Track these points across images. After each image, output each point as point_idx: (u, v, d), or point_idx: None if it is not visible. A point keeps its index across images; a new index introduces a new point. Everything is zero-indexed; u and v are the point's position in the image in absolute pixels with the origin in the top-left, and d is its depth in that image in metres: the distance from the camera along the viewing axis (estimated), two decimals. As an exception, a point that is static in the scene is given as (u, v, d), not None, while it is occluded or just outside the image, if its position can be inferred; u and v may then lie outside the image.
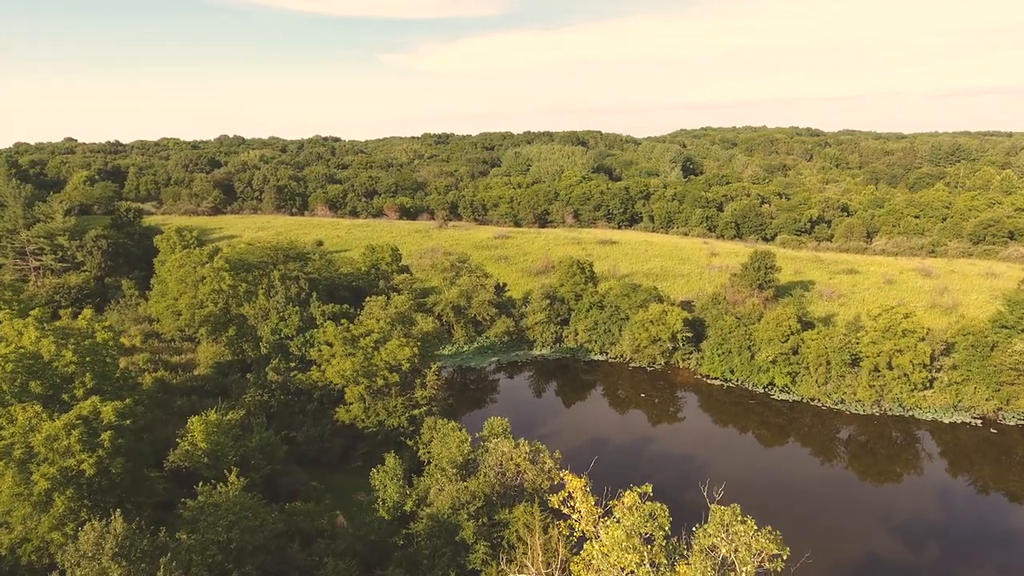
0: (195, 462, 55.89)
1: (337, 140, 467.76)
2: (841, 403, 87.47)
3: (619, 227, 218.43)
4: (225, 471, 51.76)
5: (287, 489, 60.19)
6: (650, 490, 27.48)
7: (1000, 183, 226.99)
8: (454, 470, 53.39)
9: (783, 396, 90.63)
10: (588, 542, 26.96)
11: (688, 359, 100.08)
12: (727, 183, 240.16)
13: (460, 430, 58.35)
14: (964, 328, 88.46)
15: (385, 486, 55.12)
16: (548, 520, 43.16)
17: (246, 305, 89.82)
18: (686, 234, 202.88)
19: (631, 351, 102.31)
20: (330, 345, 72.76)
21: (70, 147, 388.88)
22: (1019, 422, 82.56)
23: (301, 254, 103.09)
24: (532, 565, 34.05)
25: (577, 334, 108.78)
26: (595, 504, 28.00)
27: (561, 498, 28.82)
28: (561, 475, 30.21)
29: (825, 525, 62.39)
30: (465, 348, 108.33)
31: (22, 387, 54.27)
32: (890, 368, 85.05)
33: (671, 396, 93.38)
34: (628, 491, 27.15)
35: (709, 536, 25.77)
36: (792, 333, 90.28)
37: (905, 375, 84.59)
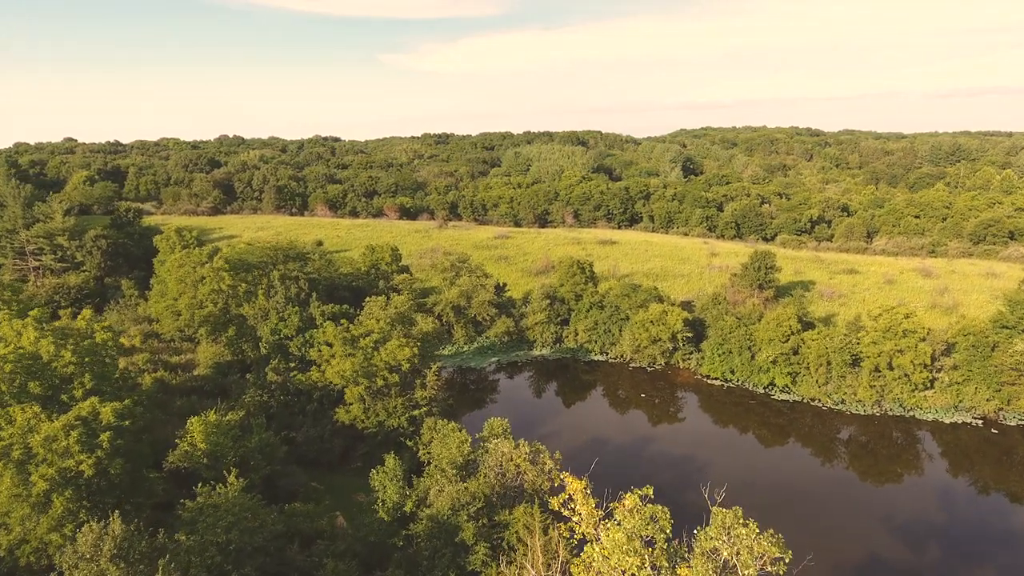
0: (194, 463, 55.76)
1: (337, 140, 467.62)
2: (842, 403, 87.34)
3: (619, 227, 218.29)
4: (224, 472, 51.66)
5: (286, 490, 60.06)
6: (651, 492, 27.33)
7: (1000, 183, 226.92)
8: (454, 471, 53.26)
9: (784, 396, 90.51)
10: (588, 544, 26.82)
11: (688, 359, 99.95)
12: (727, 183, 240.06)
13: (460, 431, 58.23)
14: (965, 328, 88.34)
15: (385, 487, 55.00)
16: (548, 521, 43.05)
17: (246, 305, 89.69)
18: (686, 234, 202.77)
19: (631, 351, 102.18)
20: (330, 345, 72.63)
21: (70, 147, 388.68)
22: (1020, 422, 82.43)
23: (301, 254, 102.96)
24: (532, 567, 33.90)
25: (577, 334, 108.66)
26: (596, 506, 27.84)
27: (561, 500, 28.68)
28: (562, 477, 30.05)
29: (826, 525, 62.28)
30: (465, 348, 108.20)
31: (21, 388, 54.13)
32: (891, 368, 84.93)
33: (671, 396, 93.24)
34: (629, 493, 27.00)
35: (711, 539, 25.61)
36: (792, 333, 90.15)
37: (906, 375, 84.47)
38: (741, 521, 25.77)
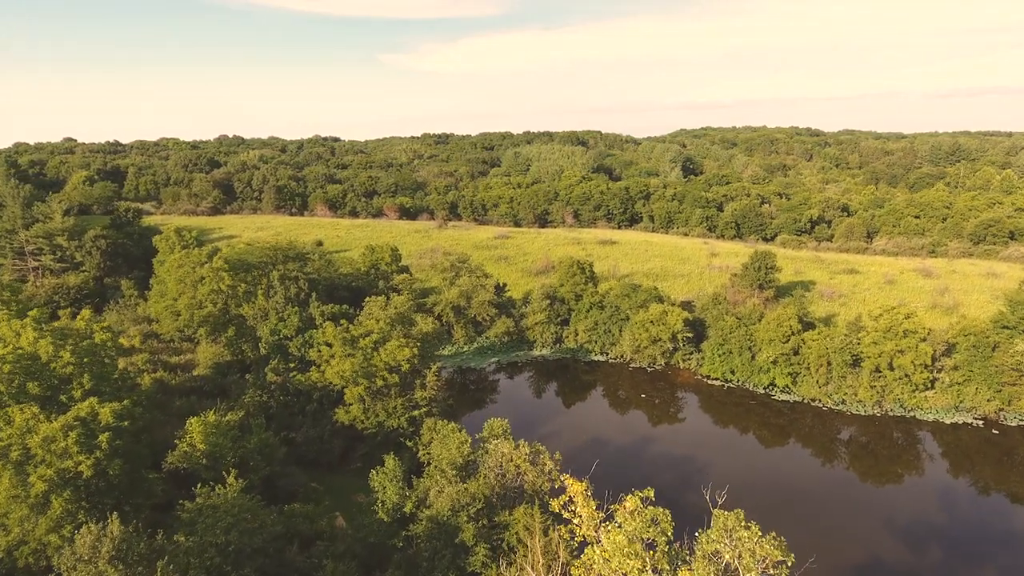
0: (194, 463, 55.63)
1: (337, 140, 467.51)
2: (842, 404, 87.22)
3: (619, 227, 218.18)
4: (224, 472, 51.53)
5: (286, 490, 59.93)
6: (652, 494, 27.16)
7: (1000, 183, 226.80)
8: (454, 472, 53.09)
9: (784, 397, 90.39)
10: (589, 546, 26.66)
11: (688, 359, 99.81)
12: (727, 183, 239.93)
13: (460, 431, 58.04)
14: (965, 328, 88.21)
15: (384, 488, 54.83)
16: (548, 523, 42.87)
17: (245, 305, 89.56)
18: (686, 234, 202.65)
19: (631, 351, 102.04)
20: (329, 346, 72.48)
21: (69, 147, 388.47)
22: (1021, 423, 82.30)
23: (300, 254, 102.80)
24: (532, 569, 33.76)
25: (577, 334, 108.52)
26: (596, 508, 27.66)
27: (562, 502, 28.51)
28: (562, 478, 29.87)
29: (826, 526, 62.17)
30: (465, 348, 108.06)
31: (20, 388, 53.97)
32: (891, 369, 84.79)
33: (672, 397, 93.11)
34: (630, 495, 26.84)
35: (712, 542, 25.42)
36: (793, 333, 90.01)
37: (906, 376, 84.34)
38: (743, 524, 25.59)
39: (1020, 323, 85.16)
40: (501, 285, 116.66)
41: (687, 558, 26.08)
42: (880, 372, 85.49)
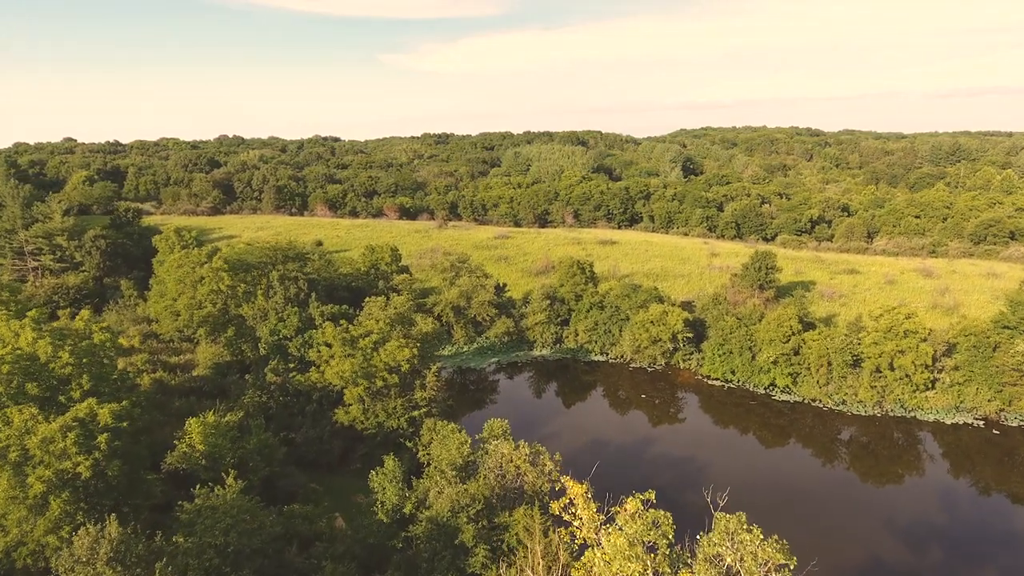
0: (193, 464, 55.51)
1: (337, 140, 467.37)
2: (843, 404, 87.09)
3: (619, 227, 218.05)
4: (223, 473, 51.39)
5: (285, 491, 59.81)
6: (653, 496, 26.99)
7: (1001, 183, 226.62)
8: (453, 472, 52.94)
9: (784, 397, 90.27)
10: (590, 549, 26.50)
11: (689, 360, 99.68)
12: (727, 183, 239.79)
13: (460, 432, 57.90)
14: (966, 329, 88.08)
15: (384, 488, 54.70)
16: (548, 524, 42.73)
17: (245, 306, 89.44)
18: (686, 234, 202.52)
19: (631, 352, 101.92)
20: (329, 346, 72.36)
21: (69, 147, 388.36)
22: (1021, 423, 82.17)
23: (300, 254, 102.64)
24: (532, 570, 33.62)
25: (577, 334, 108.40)
26: (597, 510, 27.49)
27: (562, 504, 28.35)
28: (562, 480, 29.71)
29: (827, 526, 62.06)
30: (465, 349, 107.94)
31: (18, 389, 53.85)
32: (892, 369, 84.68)
33: (672, 397, 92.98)
34: (631, 497, 26.67)
35: (714, 545, 25.25)
36: (793, 334, 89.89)
37: (907, 376, 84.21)
38: (745, 527, 25.42)
39: (1021, 323, 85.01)
40: (501, 285, 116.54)
41: (688, 561, 25.92)
42: (881, 372, 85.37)
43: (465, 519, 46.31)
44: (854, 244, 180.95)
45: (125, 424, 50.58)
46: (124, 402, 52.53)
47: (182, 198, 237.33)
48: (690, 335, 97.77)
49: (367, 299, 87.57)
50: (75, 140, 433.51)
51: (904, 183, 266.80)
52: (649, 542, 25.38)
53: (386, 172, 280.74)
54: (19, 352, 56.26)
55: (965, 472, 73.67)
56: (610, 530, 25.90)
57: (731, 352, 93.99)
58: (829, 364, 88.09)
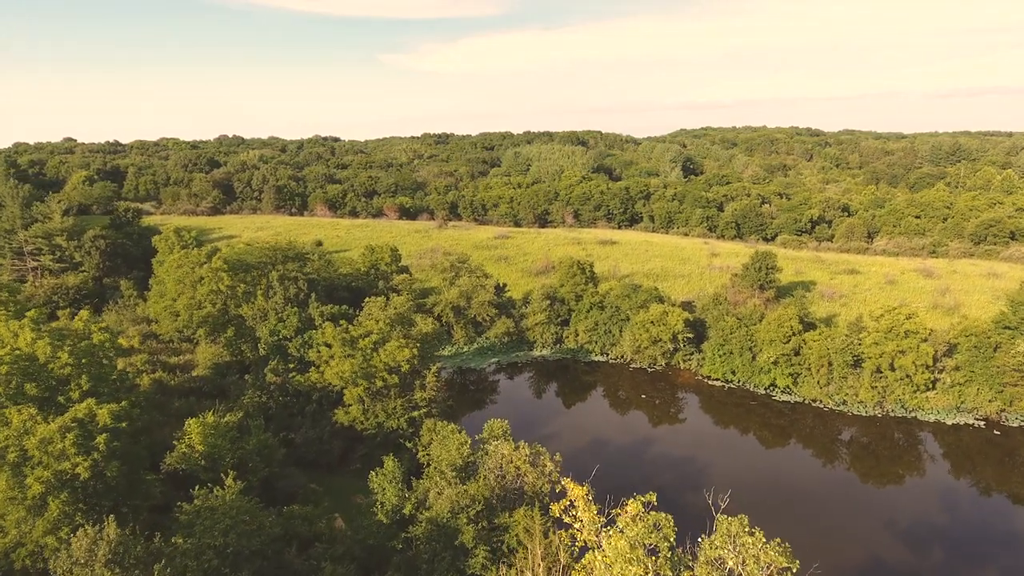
0: (192, 465, 55.37)
1: (337, 140, 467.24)
2: (843, 404, 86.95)
3: (619, 227, 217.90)
4: (222, 474, 51.24)
5: (285, 492, 59.68)
6: (654, 499, 26.81)
7: (1001, 183, 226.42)
8: (453, 473, 52.81)
9: (785, 397, 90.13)
10: (591, 551, 26.33)
11: (689, 360, 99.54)
12: (727, 183, 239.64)
13: (460, 432, 57.77)
14: (967, 329, 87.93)
15: (384, 489, 54.56)
16: (549, 525, 42.59)
17: (244, 306, 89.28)
18: (686, 234, 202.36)
19: (632, 352, 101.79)
20: (329, 346, 72.22)
21: (69, 147, 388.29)
22: (1022, 424, 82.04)
23: (300, 254, 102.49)
24: (532, 572, 33.47)
25: (577, 335, 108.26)
26: (597, 512, 27.32)
27: (563, 506, 28.18)
28: (563, 482, 29.54)
29: (827, 527, 61.92)
30: (465, 349, 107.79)
31: (17, 389, 53.73)
32: (892, 369, 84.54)
33: (672, 397, 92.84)
34: (632, 500, 26.51)
35: (716, 548, 25.07)
36: (794, 334, 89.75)
37: (908, 376, 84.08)
38: (747, 529, 25.24)
39: (1021, 323, 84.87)
40: (501, 285, 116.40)
41: (690, 564, 25.76)
42: (881, 373, 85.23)
43: (465, 520, 46.19)
44: (854, 244, 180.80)
45: (124, 425, 50.45)
46: (123, 403, 52.39)
47: (182, 198, 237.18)
48: (690, 335, 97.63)
49: (367, 299, 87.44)
50: (75, 140, 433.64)
51: (904, 183, 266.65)
52: (650, 545, 25.21)
53: (386, 172, 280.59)
54: (18, 352, 56.14)
55: (966, 473, 73.53)
56: (611, 532, 25.74)
57: (731, 352, 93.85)
58: (830, 364, 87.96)
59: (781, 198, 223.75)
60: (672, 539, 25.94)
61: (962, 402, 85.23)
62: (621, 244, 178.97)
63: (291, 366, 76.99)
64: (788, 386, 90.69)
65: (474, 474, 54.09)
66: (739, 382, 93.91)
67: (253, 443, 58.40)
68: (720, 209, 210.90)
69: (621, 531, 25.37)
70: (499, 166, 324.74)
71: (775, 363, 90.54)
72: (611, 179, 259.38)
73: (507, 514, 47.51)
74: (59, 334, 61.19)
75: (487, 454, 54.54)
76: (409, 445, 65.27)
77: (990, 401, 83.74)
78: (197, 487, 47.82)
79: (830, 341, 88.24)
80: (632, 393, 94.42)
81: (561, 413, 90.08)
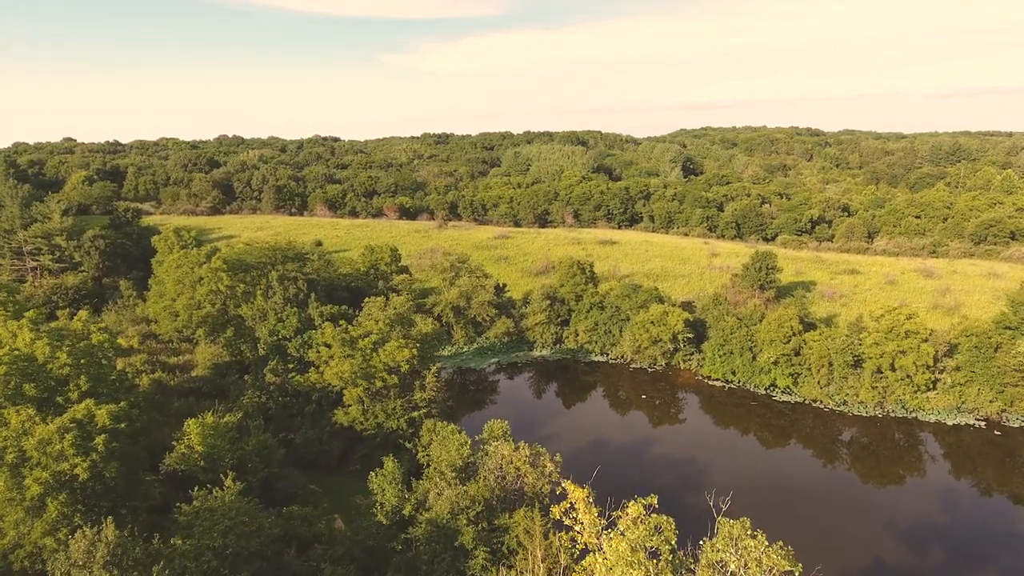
0: (191, 465, 55.23)
1: (337, 140, 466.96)
2: (844, 404, 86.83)
3: (619, 227, 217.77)
4: (221, 475, 51.08)
5: (284, 492, 59.54)
6: (655, 501, 26.63)
7: (1001, 183, 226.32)
8: (453, 474, 52.66)
9: (785, 397, 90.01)
10: (591, 554, 26.17)
11: (689, 360, 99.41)
12: (727, 183, 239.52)
13: (459, 433, 57.63)
14: (967, 329, 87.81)
15: (383, 490, 54.42)
16: (549, 526, 42.44)
17: (244, 306, 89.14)
18: (686, 234, 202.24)
19: (632, 352, 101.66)
20: (328, 346, 72.07)
21: (69, 147, 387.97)
22: (1023, 424, 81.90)
23: (300, 254, 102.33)
24: (532, 573, 33.32)
25: (577, 335, 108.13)
26: (598, 515, 27.14)
27: (563, 509, 28.01)
28: (563, 484, 29.37)
29: (828, 527, 61.80)
30: (465, 349, 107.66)
31: (16, 390, 53.56)
32: (893, 369, 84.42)
33: (672, 398, 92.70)
34: (632, 502, 26.34)
35: (717, 551, 24.89)
36: (794, 334, 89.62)
37: (908, 376, 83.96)
38: (749, 532, 25.06)
39: (1022, 324, 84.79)
40: (501, 285, 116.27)
41: (691, 567, 25.59)
42: (882, 373, 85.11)
43: (465, 521, 46.04)
44: (854, 244, 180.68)
45: (123, 425, 50.30)
46: (122, 403, 52.25)
47: (181, 198, 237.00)
48: (690, 335, 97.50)
49: (367, 299, 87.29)
50: (75, 140, 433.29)
51: (904, 183, 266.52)
52: (651, 548, 25.03)
53: (386, 172, 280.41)
54: (17, 353, 55.99)
55: (967, 473, 73.41)
56: (612, 535, 25.57)
57: (732, 352, 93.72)
58: (830, 365, 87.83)
59: (781, 198, 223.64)
60: (673, 542, 25.75)
61: (963, 402, 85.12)
62: (621, 244, 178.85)
63: (291, 366, 76.86)
64: (788, 386, 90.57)
65: (474, 475, 53.94)
66: (739, 382, 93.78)
67: (252, 444, 58.26)
68: (720, 209, 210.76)
69: (622, 534, 25.21)
70: (499, 166, 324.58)
71: (775, 363, 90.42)
72: (611, 179, 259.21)
73: (507, 515, 47.36)
74: (58, 334, 61.01)
75: (487, 455, 54.39)
76: (409, 446, 65.12)
77: (991, 401, 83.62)
78: (196, 488, 47.68)
79: (830, 341, 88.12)
80: (632, 393, 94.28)
81: (561, 413, 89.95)
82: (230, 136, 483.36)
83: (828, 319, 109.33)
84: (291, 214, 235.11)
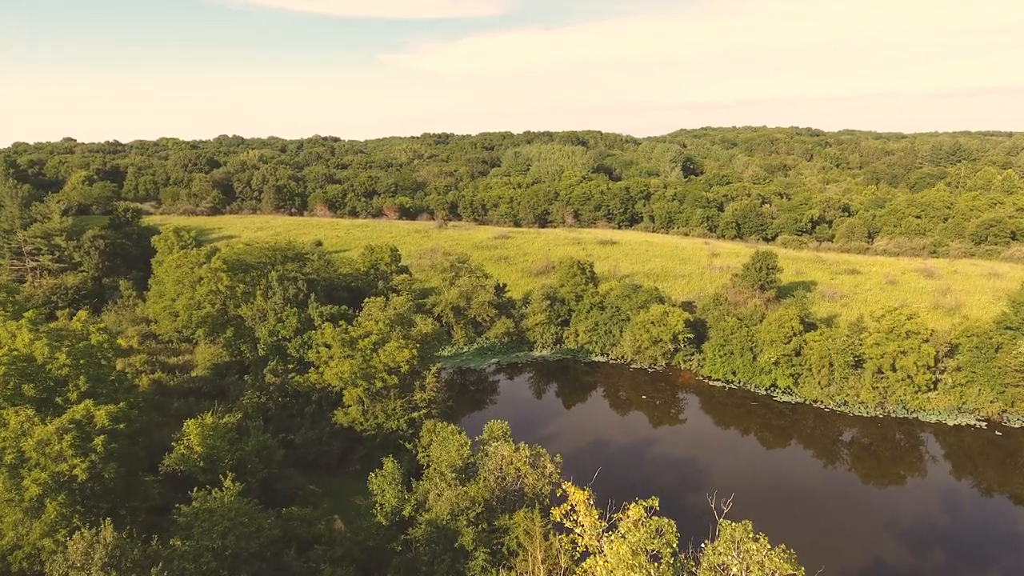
0: (191, 466, 55.09)
1: (337, 140, 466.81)
2: (844, 405, 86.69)
3: (619, 227, 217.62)
4: (221, 475, 50.93)
5: (284, 493, 59.41)
6: (656, 504, 26.47)
7: (1001, 183, 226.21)
8: (453, 474, 52.54)
9: (786, 398, 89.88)
10: (592, 556, 26.02)
11: (689, 360, 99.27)
12: (727, 183, 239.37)
13: (459, 433, 57.50)
14: (968, 329, 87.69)
15: (383, 491, 54.30)
16: (549, 527, 42.31)
17: (244, 306, 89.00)
18: (687, 234, 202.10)
19: (632, 352, 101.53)
20: (328, 347, 71.93)
21: (69, 147, 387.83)
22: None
23: (300, 254, 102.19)
24: (533, 574, 33.18)
25: (578, 335, 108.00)
26: (599, 517, 26.98)
27: (563, 511, 27.85)
28: (563, 486, 29.21)
29: (829, 527, 61.68)
30: (465, 349, 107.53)
31: (15, 390, 53.39)
32: (894, 370, 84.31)
33: (673, 398, 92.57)
34: (633, 504, 26.18)
35: (719, 554, 24.72)
36: (794, 334, 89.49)
37: (909, 377, 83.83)
38: (751, 535, 24.88)
39: (1023, 324, 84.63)
40: (501, 285, 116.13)
41: (693, 570, 25.42)
42: (882, 373, 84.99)
43: (465, 522, 45.91)
44: (855, 244, 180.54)
45: (122, 426, 50.12)
46: (121, 404, 52.09)
47: (181, 198, 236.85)
48: (691, 336, 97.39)
49: (366, 300, 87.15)
50: (75, 140, 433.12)
51: (904, 183, 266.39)
52: (653, 550, 24.85)
53: (386, 172, 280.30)
54: (16, 353, 55.81)
55: (967, 474, 73.28)
56: (612, 538, 25.41)
57: (732, 353, 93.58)
58: (831, 365, 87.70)
59: (781, 198, 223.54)
60: (675, 545, 25.57)
61: (964, 403, 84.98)
62: (621, 244, 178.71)
63: (290, 367, 76.73)
64: (789, 387, 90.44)
65: (474, 476, 53.81)
66: (740, 383, 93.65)
67: (252, 444, 58.12)
68: (720, 209, 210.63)
69: (623, 536, 25.06)
70: (499, 166, 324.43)
71: (776, 364, 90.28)
72: (611, 179, 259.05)
73: (507, 516, 47.23)
74: (57, 334, 60.85)
75: (487, 455, 54.26)
76: (409, 446, 64.98)
77: (992, 402, 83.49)
78: (195, 488, 47.54)
79: (831, 341, 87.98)
80: (632, 394, 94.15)
81: (561, 414, 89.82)
82: (230, 136, 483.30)
83: (829, 319, 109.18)
84: (291, 214, 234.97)
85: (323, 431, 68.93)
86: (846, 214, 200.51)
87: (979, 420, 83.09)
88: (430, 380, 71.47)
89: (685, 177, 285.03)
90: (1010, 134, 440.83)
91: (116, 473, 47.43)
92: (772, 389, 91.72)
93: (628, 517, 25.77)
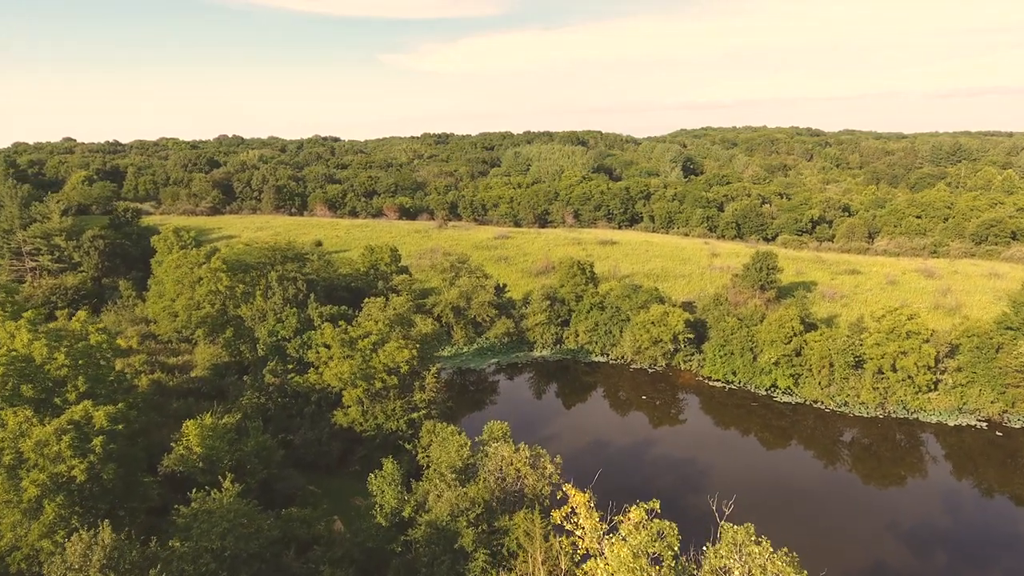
0: (190, 467, 54.94)
1: (337, 140, 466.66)
2: (845, 405, 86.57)
3: (619, 227, 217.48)
4: (220, 476, 50.79)
5: (283, 494, 59.27)
6: (658, 506, 26.31)
7: (1001, 183, 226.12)
8: (453, 475, 52.38)
9: (786, 398, 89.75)
10: (592, 558, 25.87)
11: (690, 361, 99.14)
12: (727, 183, 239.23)
13: (459, 434, 57.34)
14: (969, 329, 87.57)
15: (383, 491, 54.12)
16: (549, 528, 42.18)
17: (243, 306, 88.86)
18: (687, 234, 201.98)
19: (632, 353, 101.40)
20: (328, 347, 71.79)
21: (69, 147, 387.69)
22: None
23: (299, 255, 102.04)
24: (533, 575, 33.05)
25: (578, 335, 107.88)
26: (599, 519, 26.83)
27: (564, 513, 27.71)
28: (563, 488, 29.06)
29: (829, 528, 61.57)
30: (465, 349, 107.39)
31: (13, 391, 53.25)
32: (894, 370, 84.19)
33: (673, 398, 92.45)
34: (634, 506, 26.03)
35: (721, 557, 24.56)
36: (795, 334, 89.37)
37: (909, 377, 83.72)
38: (753, 538, 24.73)
39: (1023, 324, 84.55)
40: (501, 286, 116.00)
41: (694, 573, 25.27)
42: (883, 373, 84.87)
43: (465, 523, 45.77)
44: (855, 244, 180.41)
45: (121, 427, 49.99)
46: (120, 404, 51.94)
47: (181, 198, 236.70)
48: (691, 336, 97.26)
49: (366, 300, 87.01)
50: (74, 140, 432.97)
51: (905, 183, 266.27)
52: (654, 553, 24.70)
53: (386, 172, 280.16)
54: (14, 354, 55.66)
55: (968, 474, 73.15)
56: (613, 540, 25.25)
57: (732, 353, 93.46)
58: (831, 365, 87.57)
59: (781, 198, 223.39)
60: (676, 547, 25.42)
61: (964, 403, 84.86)
62: (621, 244, 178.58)
63: (290, 367, 76.60)
64: (789, 387, 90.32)
65: (474, 476, 53.65)
66: (740, 383, 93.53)
67: (251, 445, 57.98)
68: (720, 209, 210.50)
69: (624, 539, 24.91)
70: (499, 166, 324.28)
71: (776, 364, 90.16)
72: (611, 179, 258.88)
73: (507, 517, 47.06)
74: (56, 335, 60.70)
75: (487, 456, 54.10)
76: (408, 447, 64.84)
77: (992, 402, 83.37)
78: (195, 489, 47.41)
79: (831, 342, 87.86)
80: (633, 394, 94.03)
81: (561, 414, 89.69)
82: (230, 136, 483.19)
83: (829, 319, 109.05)
84: (291, 214, 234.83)
85: (323, 432, 68.80)
86: (846, 214, 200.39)
87: (980, 420, 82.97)
88: (430, 380, 71.33)
89: (685, 177, 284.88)
90: (1010, 134, 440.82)
91: (115, 474, 47.28)
92: (772, 389, 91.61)
93: (629, 519, 25.64)
